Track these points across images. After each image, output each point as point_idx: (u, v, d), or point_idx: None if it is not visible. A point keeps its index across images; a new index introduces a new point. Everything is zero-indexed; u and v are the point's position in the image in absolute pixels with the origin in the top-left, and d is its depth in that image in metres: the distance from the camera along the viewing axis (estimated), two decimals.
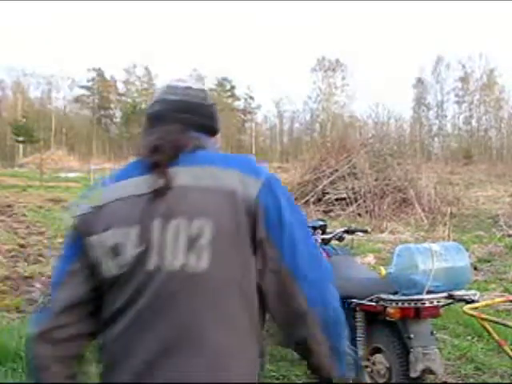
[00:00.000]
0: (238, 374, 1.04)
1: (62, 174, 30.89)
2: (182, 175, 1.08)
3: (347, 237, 3.83)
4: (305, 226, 1.16)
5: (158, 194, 1.06)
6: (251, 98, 66.36)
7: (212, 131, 1.25)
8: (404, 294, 2.65)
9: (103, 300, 1.11)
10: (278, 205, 1.07)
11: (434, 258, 2.57)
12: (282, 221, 1.06)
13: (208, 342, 1.02)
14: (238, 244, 1.05)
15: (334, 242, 3.52)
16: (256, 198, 1.05)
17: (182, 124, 1.18)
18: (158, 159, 1.09)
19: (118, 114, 63.26)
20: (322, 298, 1.08)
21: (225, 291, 1.04)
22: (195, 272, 1.02)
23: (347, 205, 11.75)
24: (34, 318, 1.16)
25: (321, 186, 12.56)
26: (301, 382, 3.22)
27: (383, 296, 2.76)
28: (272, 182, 1.10)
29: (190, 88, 1.24)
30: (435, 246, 2.68)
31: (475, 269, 6.42)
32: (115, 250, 1.06)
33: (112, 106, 64.52)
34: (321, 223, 3.61)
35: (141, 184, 1.09)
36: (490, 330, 2.46)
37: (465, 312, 2.49)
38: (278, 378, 3.28)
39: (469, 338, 4.13)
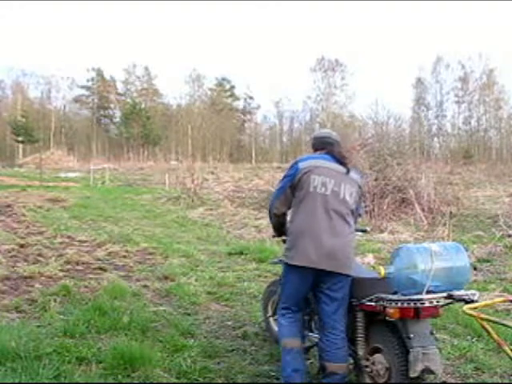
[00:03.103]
0: (348, 240, 2.99)
1: (62, 174, 30.87)
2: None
3: None
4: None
5: (345, 173, 3.04)
6: (251, 97, 66.33)
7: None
8: (403, 294, 2.65)
9: (302, 201, 2.99)
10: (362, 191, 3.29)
11: (434, 257, 2.57)
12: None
13: (338, 227, 2.94)
14: (360, 197, 3.16)
15: None
16: (361, 187, 3.17)
17: (340, 147, 3.22)
18: (347, 162, 3.09)
19: (118, 114, 63.19)
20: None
21: (350, 210, 3.02)
22: (347, 200, 2.99)
23: None
24: (272, 203, 3.19)
25: None
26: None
27: (383, 296, 2.77)
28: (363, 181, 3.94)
29: (336, 135, 3.28)
30: (435, 246, 2.67)
31: (475, 269, 6.41)
32: (324, 184, 2.96)
33: (111, 105, 64.45)
34: None
35: (338, 167, 3.03)
36: (490, 329, 2.46)
37: (464, 312, 2.48)
38: (277, 378, 3.29)
39: (468, 337, 4.14)
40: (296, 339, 3.09)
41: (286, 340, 3.08)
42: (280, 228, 3.34)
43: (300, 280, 3.00)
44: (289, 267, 3.03)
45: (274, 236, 3.57)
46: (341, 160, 3.07)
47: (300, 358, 3.06)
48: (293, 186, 3.04)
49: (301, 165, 3.04)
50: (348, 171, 3.04)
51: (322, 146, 3.21)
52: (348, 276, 2.97)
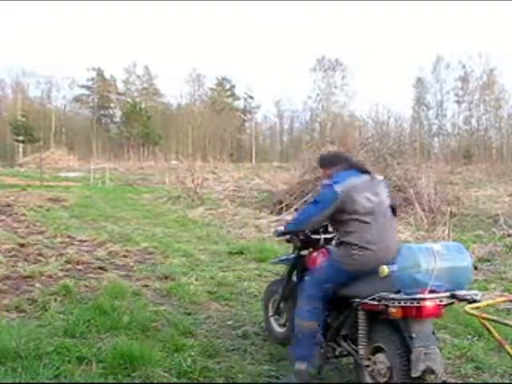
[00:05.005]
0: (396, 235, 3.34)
1: (62, 174, 30.89)
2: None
3: None
4: None
5: (371, 179, 3.22)
6: (251, 97, 66.38)
7: None
8: (406, 294, 2.64)
9: (352, 220, 3.08)
10: None
11: (437, 257, 2.56)
12: None
13: (390, 233, 3.19)
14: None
15: (334, 242, 3.52)
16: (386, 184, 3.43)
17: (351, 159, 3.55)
18: (369, 172, 3.28)
19: (118, 113, 63.15)
20: None
21: (390, 212, 3.23)
22: (387, 202, 3.21)
23: None
24: (306, 222, 3.27)
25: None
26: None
27: (385, 295, 2.76)
28: None
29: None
30: (437, 246, 2.67)
31: (475, 268, 6.37)
32: (369, 200, 3.09)
33: (112, 105, 64.44)
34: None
35: (365, 177, 3.21)
36: (491, 329, 2.46)
37: (466, 312, 2.48)
38: (277, 378, 3.28)
39: (469, 337, 4.14)
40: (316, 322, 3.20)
41: (307, 323, 3.18)
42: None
43: (344, 276, 3.12)
44: (338, 269, 3.14)
45: (279, 235, 3.61)
46: (363, 170, 3.30)
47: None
48: (337, 209, 3.10)
49: (338, 189, 3.09)
50: (373, 177, 3.24)
51: (334, 163, 3.38)
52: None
